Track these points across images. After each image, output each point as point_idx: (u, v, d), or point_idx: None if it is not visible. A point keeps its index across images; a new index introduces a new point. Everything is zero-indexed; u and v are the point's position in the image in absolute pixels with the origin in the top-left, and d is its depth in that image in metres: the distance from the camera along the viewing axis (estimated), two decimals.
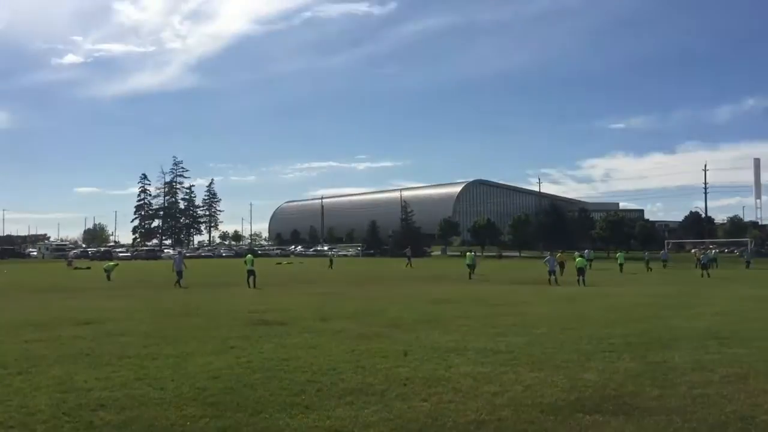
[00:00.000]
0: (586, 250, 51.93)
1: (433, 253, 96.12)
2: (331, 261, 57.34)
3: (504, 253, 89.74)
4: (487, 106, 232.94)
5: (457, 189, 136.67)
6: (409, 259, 58.70)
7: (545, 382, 8.65)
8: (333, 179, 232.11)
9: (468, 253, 42.28)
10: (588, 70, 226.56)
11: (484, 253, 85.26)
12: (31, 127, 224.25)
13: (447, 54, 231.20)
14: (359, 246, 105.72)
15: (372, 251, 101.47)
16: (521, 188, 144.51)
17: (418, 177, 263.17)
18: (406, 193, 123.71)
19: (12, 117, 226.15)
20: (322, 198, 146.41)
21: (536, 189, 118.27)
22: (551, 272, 32.81)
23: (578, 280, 31.69)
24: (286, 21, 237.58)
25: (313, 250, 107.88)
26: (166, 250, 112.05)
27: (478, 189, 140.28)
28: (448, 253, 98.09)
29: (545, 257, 38.33)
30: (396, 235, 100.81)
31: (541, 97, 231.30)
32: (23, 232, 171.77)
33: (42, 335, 13.30)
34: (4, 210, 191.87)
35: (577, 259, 34.43)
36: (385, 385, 8.45)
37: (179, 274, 31.14)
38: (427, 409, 7.37)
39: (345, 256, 67.09)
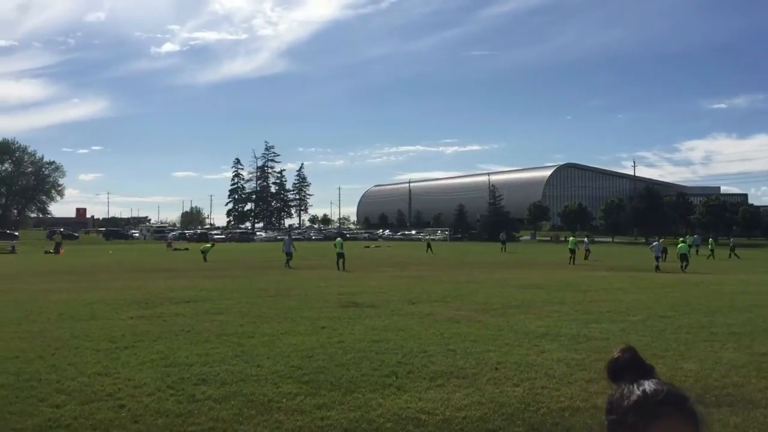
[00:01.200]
0: (695, 236, 49.86)
1: (521, 238, 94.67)
2: (428, 245, 56.62)
3: (596, 239, 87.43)
4: (578, 87, 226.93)
5: (547, 173, 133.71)
6: (504, 243, 57.94)
7: None
8: (421, 163, 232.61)
9: (570, 238, 41.65)
10: (687, 47, 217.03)
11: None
12: (131, 114, 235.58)
13: (537, 34, 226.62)
14: (447, 230, 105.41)
15: (459, 236, 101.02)
16: (614, 172, 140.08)
17: (506, 161, 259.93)
18: (494, 177, 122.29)
19: (114, 105, 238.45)
20: (409, 182, 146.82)
21: (630, 173, 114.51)
22: (657, 258, 32.06)
23: (681, 267, 30.83)
24: (373, 5, 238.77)
25: (401, 234, 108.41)
26: (258, 233, 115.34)
27: (568, 172, 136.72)
28: (537, 238, 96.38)
29: (652, 243, 37.09)
30: (484, 219, 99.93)
31: (635, 77, 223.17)
32: (126, 215, 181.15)
33: (145, 312, 13.98)
34: (108, 194, 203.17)
35: (679, 245, 33.35)
36: (476, 369, 8.42)
37: (288, 255, 32.14)
38: (520, 394, 7.30)
39: (432, 240, 67.16)
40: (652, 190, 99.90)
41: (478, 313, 14.17)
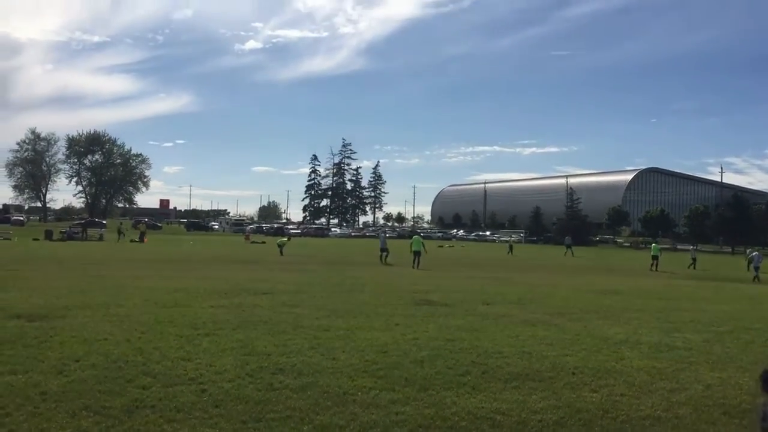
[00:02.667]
0: None
1: (600, 243, 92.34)
2: (511, 247, 55.85)
3: (678, 246, 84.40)
4: (662, 89, 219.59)
5: (629, 177, 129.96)
6: (568, 247, 56.68)
7: (728, 383, 8.07)
8: (497, 164, 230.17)
9: (653, 244, 40.63)
10: None
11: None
12: (214, 109, 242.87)
13: (620, 34, 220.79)
14: (522, 232, 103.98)
15: (535, 238, 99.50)
16: (700, 177, 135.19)
17: (585, 164, 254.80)
18: (572, 180, 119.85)
19: (198, 100, 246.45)
20: (485, 182, 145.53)
21: (717, 179, 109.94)
22: (757, 269, 30.92)
23: None
24: (455, 3, 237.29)
25: (475, 235, 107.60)
26: (333, 229, 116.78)
27: (651, 177, 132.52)
28: (617, 242, 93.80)
29: (751, 253, 35.48)
30: (561, 222, 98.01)
31: (725, 79, 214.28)
32: (206, 207, 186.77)
33: (225, 302, 14.37)
34: (191, 186, 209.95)
35: None
36: (553, 373, 8.28)
37: (384, 251, 32.59)
38: (598, 400, 7.14)
39: (506, 242, 66.30)
40: (740, 197, 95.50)
41: (554, 316, 13.91)
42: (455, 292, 18.38)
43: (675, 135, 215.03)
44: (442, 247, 66.43)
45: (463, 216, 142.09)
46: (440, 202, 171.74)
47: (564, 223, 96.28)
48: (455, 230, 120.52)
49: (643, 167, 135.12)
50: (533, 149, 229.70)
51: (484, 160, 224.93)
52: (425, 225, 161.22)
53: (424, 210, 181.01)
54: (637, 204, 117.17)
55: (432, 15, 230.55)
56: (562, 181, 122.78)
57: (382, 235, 34.89)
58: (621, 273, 33.14)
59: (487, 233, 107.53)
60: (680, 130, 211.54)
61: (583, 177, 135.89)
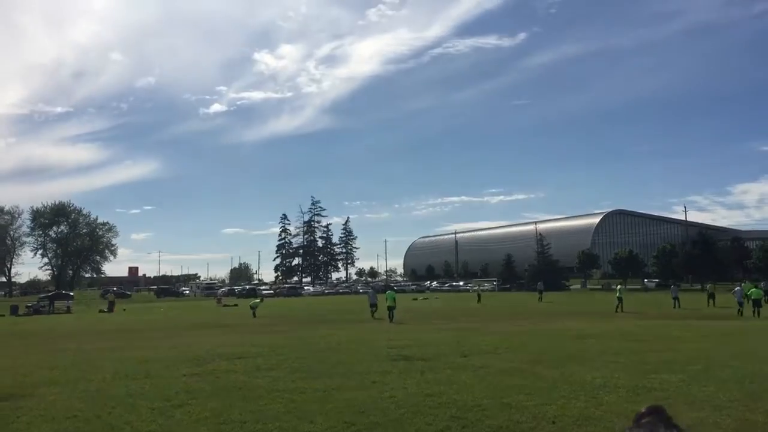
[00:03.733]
0: (762, 282, 48.40)
1: (572, 287, 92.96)
2: (479, 296, 56.53)
3: (650, 286, 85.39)
4: (624, 133, 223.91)
5: (596, 220, 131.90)
6: (540, 293, 57.38)
7: (707, 423, 8.10)
8: (466, 213, 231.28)
9: (618, 286, 41.24)
10: (734, 89, 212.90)
11: (627, 286, 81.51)
12: (182, 174, 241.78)
13: (581, 81, 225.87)
14: (494, 280, 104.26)
15: (508, 285, 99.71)
16: (665, 217, 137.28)
17: (553, 209, 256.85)
18: (541, 226, 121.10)
19: (165, 165, 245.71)
20: (455, 233, 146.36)
21: (682, 218, 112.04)
22: (740, 304, 31.37)
23: (754, 312, 30.07)
24: (415, 59, 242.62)
25: (449, 286, 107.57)
26: (306, 287, 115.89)
27: (617, 219, 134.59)
28: (588, 286, 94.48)
29: (734, 289, 35.91)
30: (532, 268, 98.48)
31: (683, 120, 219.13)
32: (177, 272, 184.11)
33: (198, 369, 14.09)
34: (159, 252, 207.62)
35: (752, 290, 32.54)
36: (533, 423, 8.23)
37: (373, 306, 32.95)
38: None
39: (481, 290, 66.84)
40: (705, 234, 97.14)
41: (532, 364, 13.89)
42: (432, 345, 18.27)
43: (638, 176, 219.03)
44: (416, 299, 66.27)
45: (436, 267, 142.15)
46: (412, 254, 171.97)
47: (535, 269, 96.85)
48: (428, 282, 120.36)
49: (609, 209, 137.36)
50: (501, 197, 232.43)
51: (453, 211, 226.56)
52: (398, 278, 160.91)
53: (397, 263, 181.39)
54: (606, 246, 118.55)
55: (393, 71, 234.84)
56: (532, 227, 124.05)
57: (371, 291, 34.87)
58: (594, 316, 33.30)
59: (461, 283, 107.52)
60: (643, 172, 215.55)
61: (552, 222, 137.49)
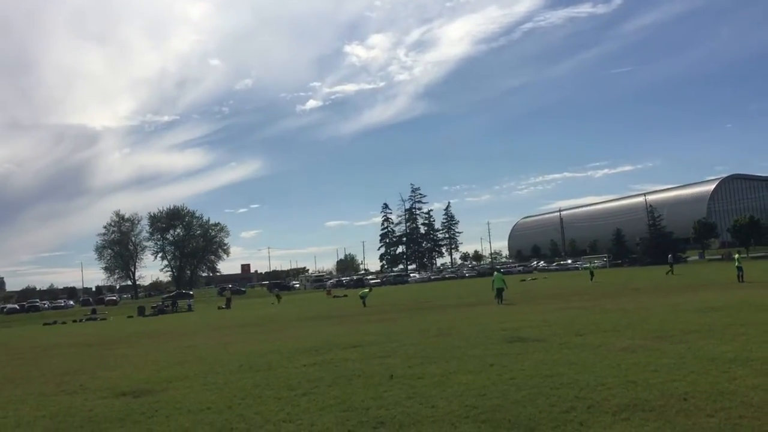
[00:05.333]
0: None
1: (688, 259, 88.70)
2: (591, 273, 54.67)
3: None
4: (737, 92, 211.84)
5: (711, 187, 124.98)
6: (671, 265, 54.64)
7: None
8: (569, 190, 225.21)
9: (736, 255, 38.90)
10: None
11: (751, 255, 77.00)
12: (284, 170, 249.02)
13: (680, 43, 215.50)
14: (605, 257, 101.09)
15: (620, 261, 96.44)
16: None
17: (662, 179, 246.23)
18: (651, 197, 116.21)
19: (267, 164, 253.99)
20: (560, 210, 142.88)
21: None
22: None
23: None
24: (506, 36, 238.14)
25: (556, 265, 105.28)
26: (411, 275, 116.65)
27: (735, 185, 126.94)
28: (706, 257, 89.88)
29: None
30: (644, 242, 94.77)
31: None
32: (286, 267, 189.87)
33: (316, 359, 14.48)
34: (269, 248, 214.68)
35: None
36: (662, 401, 7.93)
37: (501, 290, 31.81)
38: (716, 424, 6.79)
39: (587, 268, 65.12)
40: None
41: (654, 341, 13.39)
42: (546, 326, 17.96)
43: (754, 137, 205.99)
44: (524, 280, 65.31)
45: (542, 247, 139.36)
46: (516, 235, 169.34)
47: (647, 242, 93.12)
48: (535, 262, 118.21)
49: (725, 175, 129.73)
50: (605, 170, 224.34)
51: (556, 188, 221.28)
52: (504, 260, 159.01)
53: (501, 245, 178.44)
54: (724, 213, 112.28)
55: (484, 51, 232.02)
56: (641, 199, 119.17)
57: (496, 274, 34.32)
58: (715, 288, 31.66)
59: (569, 262, 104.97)
60: (760, 132, 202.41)
61: (662, 193, 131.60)
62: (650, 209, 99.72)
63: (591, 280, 50.81)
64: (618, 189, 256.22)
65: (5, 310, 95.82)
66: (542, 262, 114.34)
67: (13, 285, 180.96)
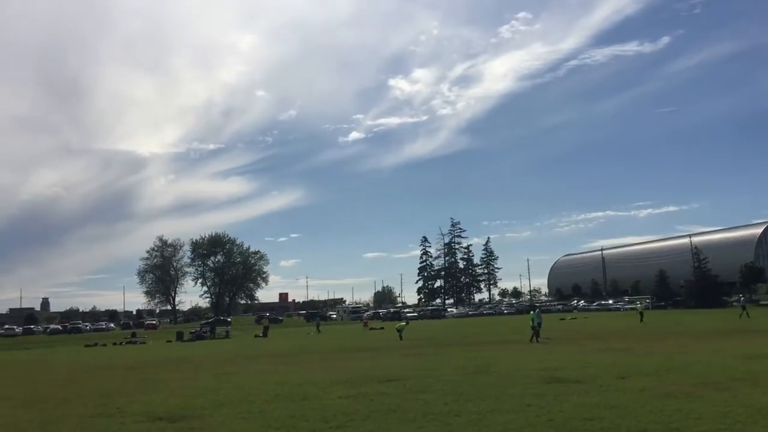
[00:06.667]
0: None
1: (735, 303, 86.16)
2: (641, 314, 53.37)
3: None
4: None
5: (758, 230, 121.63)
6: (744, 308, 52.45)
7: None
8: (612, 229, 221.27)
9: None
10: None
11: None
12: (324, 201, 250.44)
13: (732, 82, 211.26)
14: (648, 298, 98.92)
15: (663, 303, 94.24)
16: None
17: (708, 221, 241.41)
18: (696, 239, 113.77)
19: (308, 194, 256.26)
20: (602, 249, 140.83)
21: None
22: None
23: None
24: (551, 73, 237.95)
25: (597, 304, 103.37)
26: (449, 309, 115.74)
27: None
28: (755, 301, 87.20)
29: None
30: (689, 284, 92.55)
31: None
32: (323, 297, 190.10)
33: (352, 391, 14.40)
34: (307, 278, 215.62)
35: None
36: None
37: (538, 326, 31.15)
38: None
39: (634, 309, 63.82)
40: None
41: (698, 387, 13.00)
42: (586, 367, 17.61)
43: None
44: (563, 319, 64.27)
45: (582, 285, 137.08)
46: (556, 273, 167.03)
47: (692, 284, 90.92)
48: (575, 301, 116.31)
49: None
50: (649, 210, 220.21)
51: (598, 227, 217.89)
52: (543, 298, 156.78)
53: (540, 282, 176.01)
54: None
55: (529, 87, 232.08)
56: (686, 241, 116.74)
57: (537, 311, 34.03)
58: (763, 334, 30.65)
59: (610, 302, 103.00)
60: None
61: (708, 235, 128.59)
62: (695, 251, 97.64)
63: (640, 321, 49.79)
64: (662, 229, 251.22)
65: (48, 330, 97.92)
66: (582, 302, 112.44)
67: (57, 306, 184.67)
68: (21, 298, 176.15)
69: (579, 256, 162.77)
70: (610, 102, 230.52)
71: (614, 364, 18.16)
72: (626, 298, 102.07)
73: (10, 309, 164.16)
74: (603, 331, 40.35)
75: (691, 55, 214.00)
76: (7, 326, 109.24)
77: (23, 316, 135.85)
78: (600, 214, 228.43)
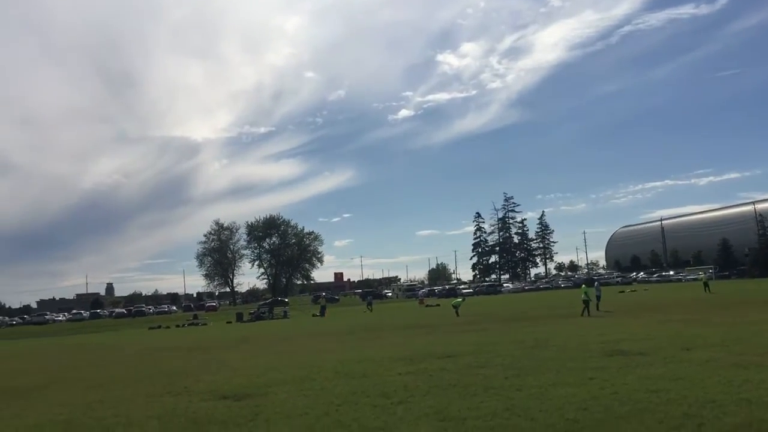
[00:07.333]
0: None
1: None
2: (706, 284, 51.96)
3: None
4: None
5: None
6: None
7: None
8: (671, 198, 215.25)
9: None
10: None
11: None
12: (376, 180, 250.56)
13: None
14: (711, 268, 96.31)
15: (726, 273, 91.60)
16: None
17: None
18: (760, 206, 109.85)
19: (360, 173, 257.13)
20: (661, 219, 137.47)
21: None
22: None
23: None
24: (603, 41, 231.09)
25: (657, 276, 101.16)
26: (505, 285, 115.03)
27: None
28: None
29: None
30: (753, 253, 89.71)
31: None
32: (377, 276, 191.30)
33: (411, 368, 14.46)
34: (361, 257, 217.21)
35: None
36: None
37: (597, 299, 32.56)
38: None
39: (695, 280, 62.07)
40: None
41: (767, 357, 12.60)
42: (648, 339, 17.27)
43: None
44: (623, 292, 63.14)
45: (642, 257, 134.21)
46: (614, 245, 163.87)
47: (756, 252, 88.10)
48: (634, 273, 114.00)
49: None
50: (710, 178, 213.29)
51: (657, 196, 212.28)
52: (601, 271, 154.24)
53: (598, 255, 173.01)
54: None
55: (580, 56, 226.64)
56: (749, 208, 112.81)
57: (596, 284, 33.84)
58: None
59: (671, 273, 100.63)
60: None
61: None
62: (760, 218, 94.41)
63: (706, 291, 48.60)
64: (724, 197, 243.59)
65: (114, 314, 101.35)
66: (642, 274, 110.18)
67: (121, 291, 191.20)
68: (87, 284, 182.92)
69: (637, 227, 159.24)
70: (666, 67, 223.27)
71: (678, 336, 17.78)
72: (688, 269, 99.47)
73: (77, 295, 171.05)
74: (665, 302, 39.46)
75: (750, 15, 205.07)
76: (75, 311, 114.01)
77: (90, 301, 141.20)
78: (658, 183, 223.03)
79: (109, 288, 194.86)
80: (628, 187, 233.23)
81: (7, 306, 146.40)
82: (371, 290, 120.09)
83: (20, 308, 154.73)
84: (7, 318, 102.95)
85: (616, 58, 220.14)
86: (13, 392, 15.52)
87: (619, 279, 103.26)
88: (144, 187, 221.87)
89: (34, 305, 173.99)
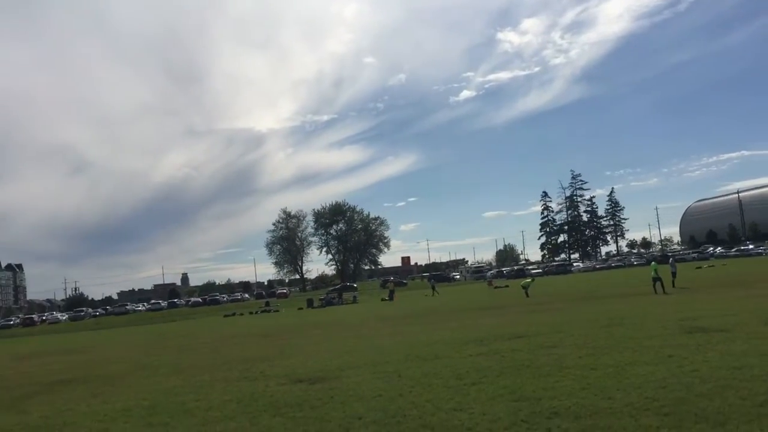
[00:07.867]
0: None
1: None
2: None
3: None
4: None
5: None
6: None
7: None
8: (748, 170, 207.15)
9: None
10: None
11: None
12: (440, 163, 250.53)
13: None
14: None
15: None
16: None
17: None
18: None
19: (423, 157, 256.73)
20: (738, 192, 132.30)
21: None
22: None
23: None
24: (671, 9, 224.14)
25: (736, 250, 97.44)
26: (575, 264, 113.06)
27: None
28: None
29: None
30: None
31: None
32: (444, 259, 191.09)
33: (483, 349, 14.41)
34: (427, 240, 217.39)
35: None
36: None
37: (672, 275, 32.96)
38: None
39: None
40: None
41: None
42: (729, 315, 16.70)
43: None
44: (700, 268, 61.14)
45: (718, 232, 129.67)
46: (689, 220, 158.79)
47: None
48: (711, 248, 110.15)
49: None
50: None
51: (732, 168, 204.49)
52: (675, 247, 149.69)
53: (672, 231, 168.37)
54: None
55: (647, 26, 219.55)
56: None
57: (671, 260, 33.33)
58: None
59: (750, 247, 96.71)
60: None
61: None
62: None
63: None
64: None
65: (190, 303, 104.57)
66: (719, 248, 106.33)
67: (195, 280, 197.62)
68: (163, 274, 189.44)
69: (713, 200, 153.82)
70: (740, 33, 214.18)
71: (761, 310, 17.13)
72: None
73: (155, 285, 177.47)
74: (745, 277, 38.02)
75: None
76: (153, 301, 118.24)
77: (167, 291, 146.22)
78: (734, 154, 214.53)
79: (184, 278, 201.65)
80: (702, 160, 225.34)
81: (90, 298, 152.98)
82: (438, 273, 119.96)
83: (102, 300, 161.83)
84: (90, 309, 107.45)
85: (686, 26, 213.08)
86: (100, 379, 16.23)
87: (695, 255, 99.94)
88: (213, 179, 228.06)
89: (115, 296, 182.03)
